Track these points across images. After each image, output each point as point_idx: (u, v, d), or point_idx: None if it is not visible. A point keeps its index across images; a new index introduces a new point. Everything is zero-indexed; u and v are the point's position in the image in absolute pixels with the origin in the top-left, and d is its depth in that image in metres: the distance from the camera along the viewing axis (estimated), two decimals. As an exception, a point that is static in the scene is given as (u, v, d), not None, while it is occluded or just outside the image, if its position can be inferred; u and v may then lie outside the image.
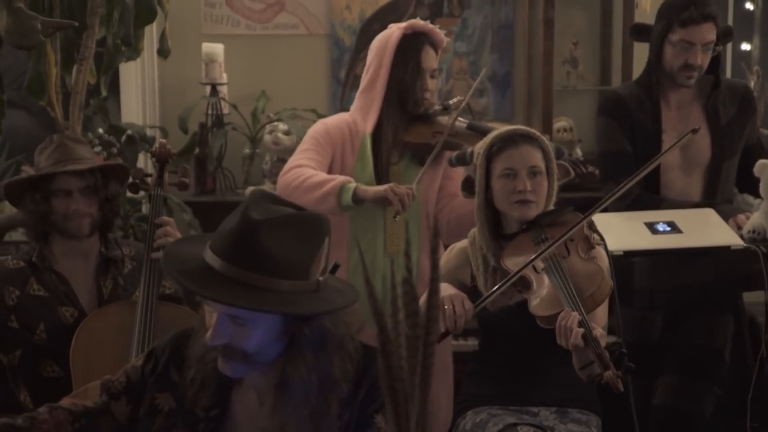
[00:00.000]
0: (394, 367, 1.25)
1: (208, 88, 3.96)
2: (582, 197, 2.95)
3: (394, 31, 2.88)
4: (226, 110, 4.00)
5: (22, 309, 2.51)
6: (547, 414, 2.41)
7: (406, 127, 2.87)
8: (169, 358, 1.78)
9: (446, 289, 2.35)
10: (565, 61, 4.16)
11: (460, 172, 2.97)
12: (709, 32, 2.90)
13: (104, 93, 3.53)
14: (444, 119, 2.89)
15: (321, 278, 1.67)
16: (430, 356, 1.24)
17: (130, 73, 4.09)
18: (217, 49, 3.94)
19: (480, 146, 2.50)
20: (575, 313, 2.16)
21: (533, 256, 2.31)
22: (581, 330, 2.12)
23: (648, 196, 2.94)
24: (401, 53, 2.85)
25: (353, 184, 2.69)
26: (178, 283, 1.67)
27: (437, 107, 2.91)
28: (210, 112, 3.97)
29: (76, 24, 3.08)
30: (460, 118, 2.90)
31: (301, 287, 1.64)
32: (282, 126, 3.93)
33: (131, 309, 2.46)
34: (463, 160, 2.63)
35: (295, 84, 4.13)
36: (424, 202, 2.92)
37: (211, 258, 1.64)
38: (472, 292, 2.43)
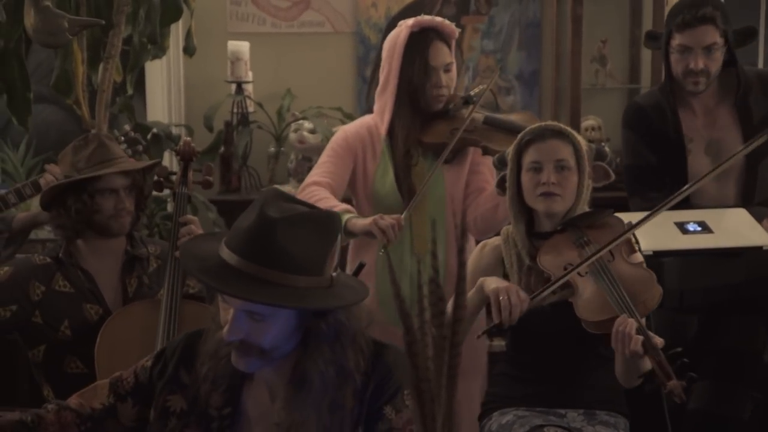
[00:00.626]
0: (420, 367, 1.24)
1: (234, 87, 3.97)
2: (609, 197, 2.91)
3: (402, 29, 2.83)
4: (251, 108, 4.00)
5: (47, 305, 2.51)
6: (574, 416, 2.38)
7: (422, 127, 2.83)
8: (179, 360, 1.80)
9: (497, 281, 2.31)
10: (594, 59, 4.13)
11: (488, 166, 2.92)
12: (706, 35, 2.80)
13: (130, 91, 3.54)
14: (464, 114, 2.85)
15: (334, 274, 1.69)
16: (456, 356, 1.23)
17: (155, 72, 4.10)
18: (243, 47, 3.94)
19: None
20: (632, 320, 2.12)
21: (581, 260, 2.27)
22: (640, 337, 2.08)
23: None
24: (409, 52, 2.80)
25: (347, 216, 2.66)
26: (198, 279, 1.68)
27: (458, 100, 2.87)
28: (235, 110, 3.98)
29: (103, 22, 3.10)
30: (478, 112, 2.85)
31: (316, 283, 1.65)
32: (307, 124, 3.92)
33: (156, 307, 2.46)
34: (504, 161, 2.58)
35: (321, 82, 4.12)
36: (450, 200, 2.88)
37: (227, 255, 1.65)
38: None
